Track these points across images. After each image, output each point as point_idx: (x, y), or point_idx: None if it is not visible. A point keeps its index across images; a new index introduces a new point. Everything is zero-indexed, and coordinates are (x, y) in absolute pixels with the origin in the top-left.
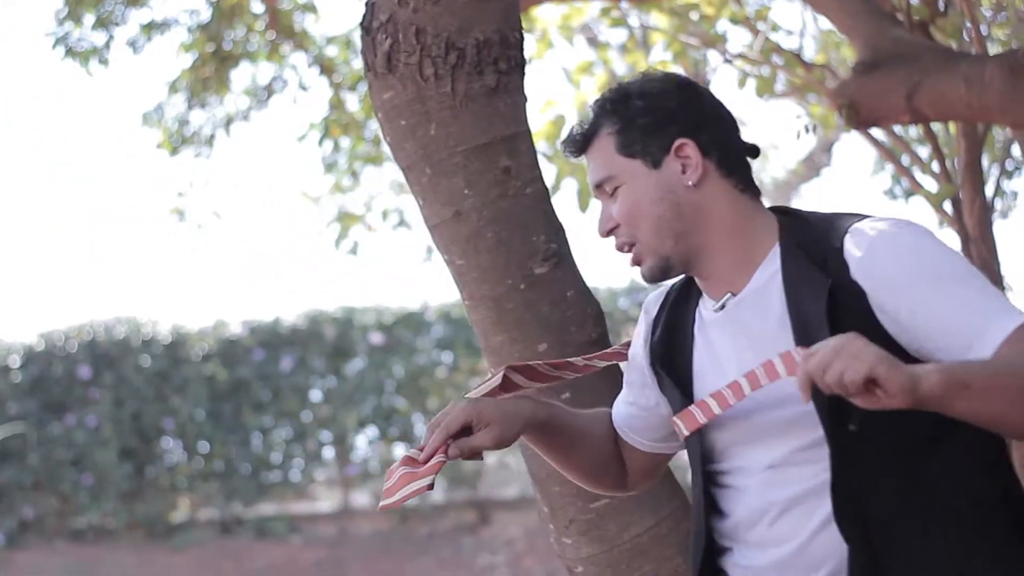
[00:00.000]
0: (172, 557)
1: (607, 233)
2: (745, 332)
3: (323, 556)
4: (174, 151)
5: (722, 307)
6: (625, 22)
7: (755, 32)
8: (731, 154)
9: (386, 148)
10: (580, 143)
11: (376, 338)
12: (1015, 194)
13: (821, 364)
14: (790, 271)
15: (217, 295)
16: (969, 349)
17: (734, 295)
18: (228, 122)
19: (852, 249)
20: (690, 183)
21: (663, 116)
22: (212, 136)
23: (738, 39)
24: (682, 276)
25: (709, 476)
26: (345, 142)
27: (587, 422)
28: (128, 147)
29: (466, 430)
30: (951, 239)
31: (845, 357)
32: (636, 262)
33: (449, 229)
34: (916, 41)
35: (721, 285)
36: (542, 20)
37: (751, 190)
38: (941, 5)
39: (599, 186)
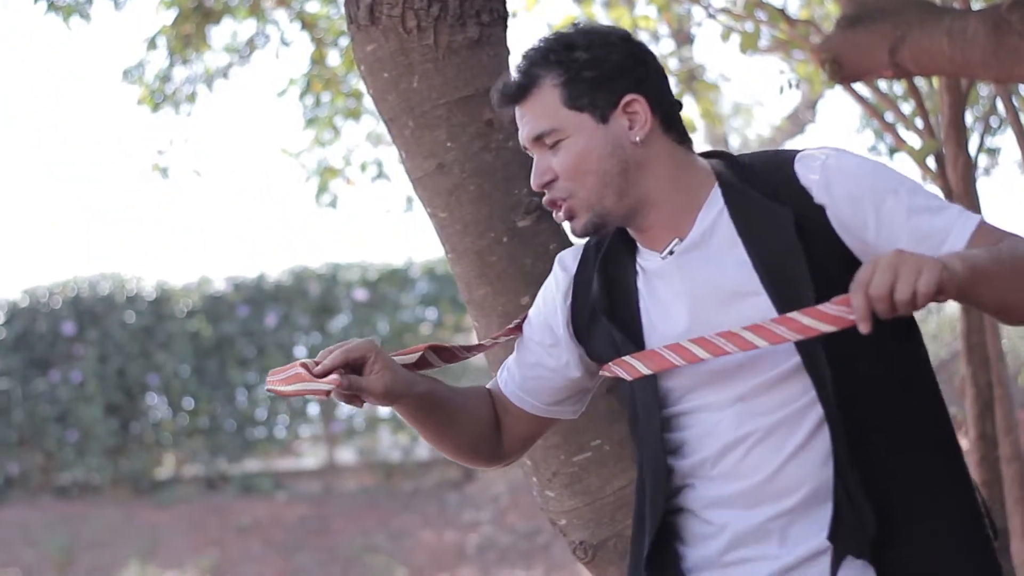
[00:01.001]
0: (157, 513)
1: (543, 186)
2: (698, 274)
3: (308, 512)
4: (155, 108)
5: (670, 252)
6: None
7: None
8: (670, 109)
9: (366, 102)
10: (517, 93)
11: (360, 294)
12: (998, 151)
13: (884, 286)
14: (739, 207)
15: (201, 251)
16: (938, 249)
17: (680, 240)
18: (209, 79)
19: (808, 174)
20: (637, 139)
21: (610, 70)
22: (193, 93)
23: None
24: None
25: (665, 420)
26: (326, 97)
27: (464, 398)
28: (109, 104)
29: (360, 369)
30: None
31: (909, 271)
32: (569, 216)
33: (432, 182)
34: None
35: (664, 233)
36: None
37: (688, 142)
38: None
39: (539, 138)
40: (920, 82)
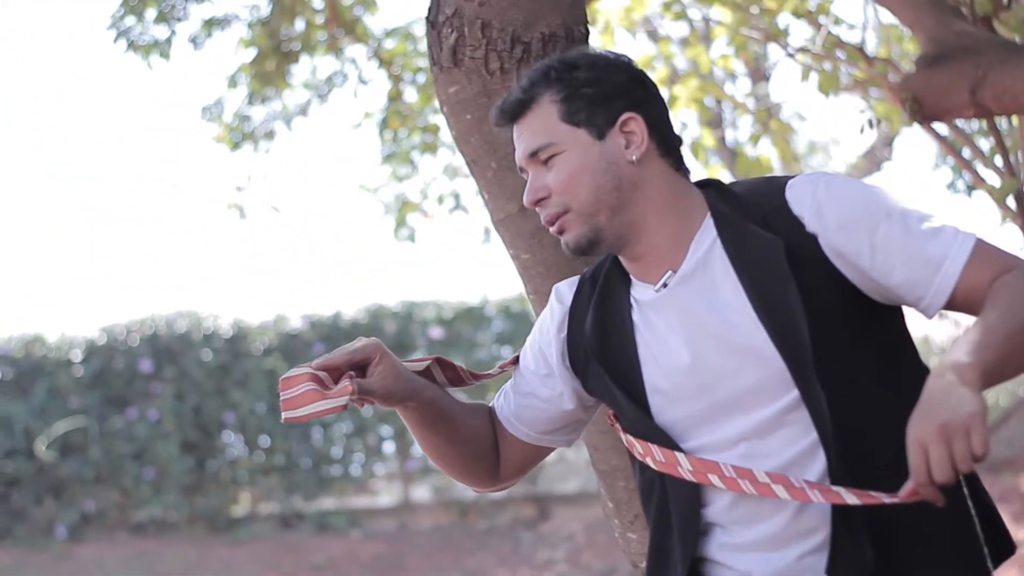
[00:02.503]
0: (232, 551)
1: (536, 203)
2: (693, 307)
3: (383, 550)
4: (235, 146)
5: (664, 285)
6: (686, 16)
7: (817, 26)
8: (669, 134)
9: (443, 135)
10: (516, 109)
11: (436, 332)
12: None
13: (947, 467)
14: (731, 237)
15: (278, 289)
16: (935, 275)
17: (674, 272)
18: (288, 117)
19: (799, 202)
20: (633, 158)
21: (611, 89)
22: (272, 131)
23: (800, 33)
24: (597, 264)
25: None
26: (403, 133)
27: (467, 412)
28: (186, 142)
29: (364, 369)
30: (1014, 234)
31: (958, 438)
32: (561, 230)
33: (514, 223)
34: (980, 34)
35: (657, 264)
36: (604, 13)
37: (684, 170)
38: None
39: (534, 154)
40: (1000, 119)
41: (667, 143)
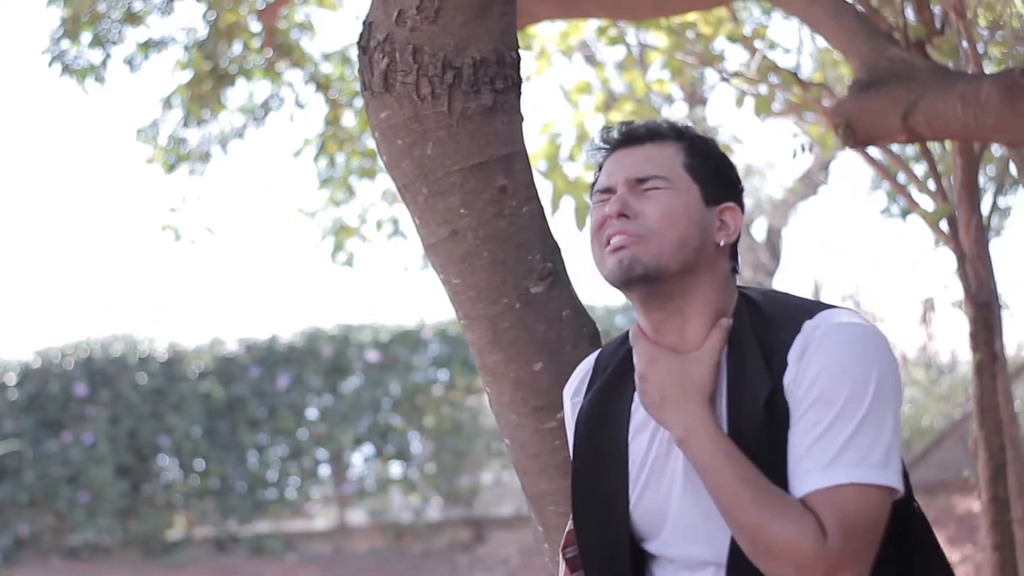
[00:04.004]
0: (168, 575)
1: (619, 214)
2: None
3: (318, 574)
4: (169, 168)
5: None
6: (623, 40)
7: (752, 51)
8: (738, 245)
9: (381, 161)
10: (642, 135)
11: (372, 356)
12: (1009, 210)
13: None
14: (736, 358)
15: (214, 313)
16: (797, 475)
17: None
18: (224, 139)
19: (797, 349)
20: (720, 242)
21: (728, 174)
22: (207, 153)
23: (736, 57)
24: (604, 356)
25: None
26: (340, 157)
27: None
28: (121, 164)
29: None
30: (947, 258)
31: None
32: (631, 251)
33: (445, 248)
34: (913, 60)
35: (672, 336)
36: (540, 38)
37: (736, 274)
38: (938, 24)
39: (642, 180)
40: (933, 144)
41: (737, 250)
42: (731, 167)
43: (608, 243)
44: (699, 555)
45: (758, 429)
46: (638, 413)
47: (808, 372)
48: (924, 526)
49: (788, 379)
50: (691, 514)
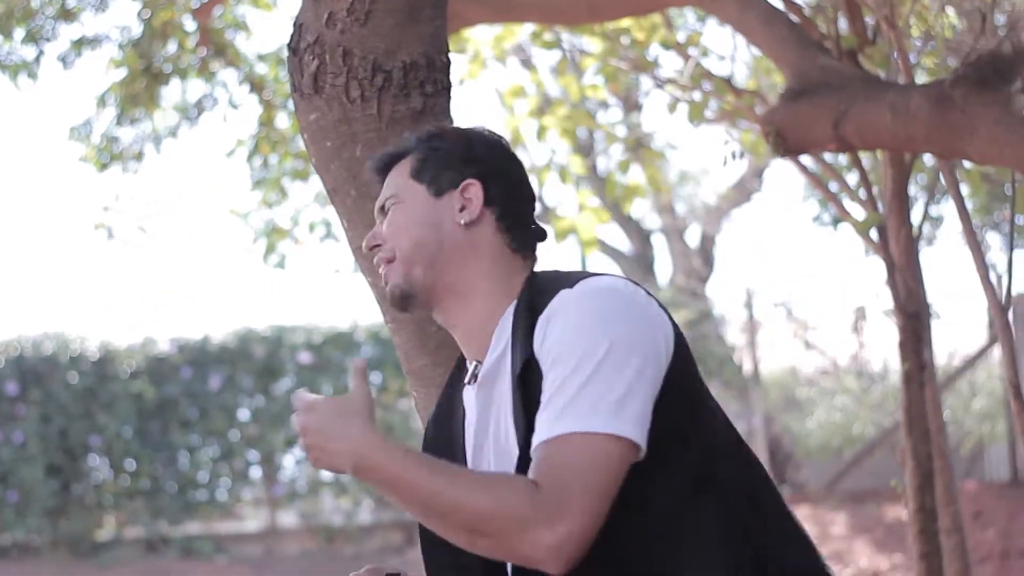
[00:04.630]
0: (97, 575)
1: (371, 248)
2: (492, 412)
3: None
4: (102, 167)
5: (474, 376)
6: (558, 44)
7: (686, 57)
8: (516, 216)
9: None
10: (384, 165)
11: (305, 357)
12: (941, 219)
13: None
14: (518, 337)
15: (146, 312)
16: (536, 433)
17: (480, 363)
18: (157, 138)
19: (541, 320)
20: (462, 221)
21: (463, 156)
22: (141, 152)
23: (670, 64)
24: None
25: None
26: (273, 158)
27: None
28: (53, 162)
29: None
30: (878, 267)
31: (310, 450)
32: (385, 279)
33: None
34: (844, 69)
35: (467, 343)
36: (475, 41)
37: (523, 253)
38: (870, 34)
39: (383, 209)
40: (864, 154)
41: (509, 221)
42: (470, 145)
43: None
44: None
45: (516, 407)
46: (469, 407)
47: (550, 337)
48: (775, 498)
49: (536, 345)
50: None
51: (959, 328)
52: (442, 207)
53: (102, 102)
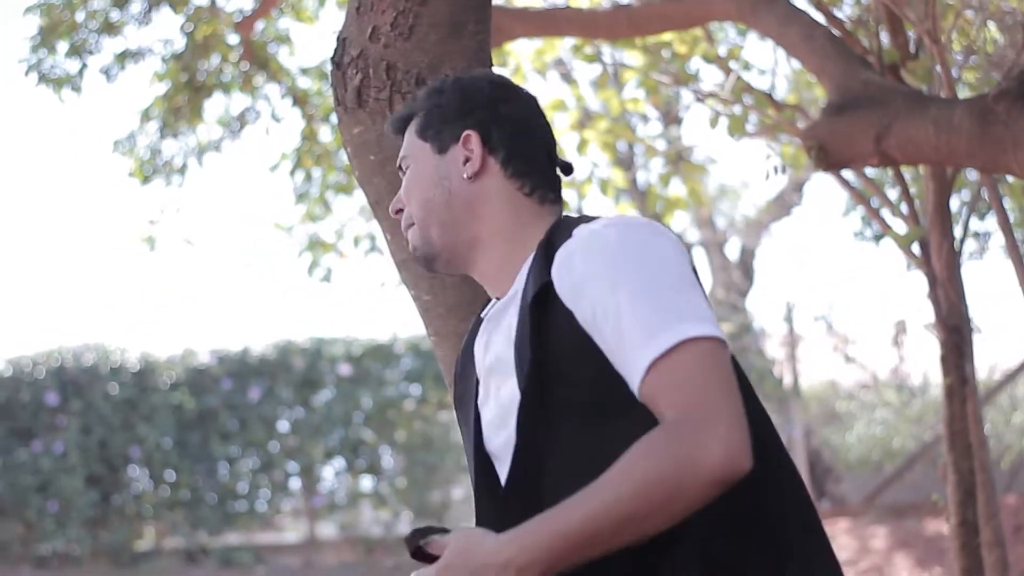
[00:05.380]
0: None
1: (396, 212)
2: (493, 343)
3: None
4: (145, 180)
5: (487, 314)
6: (598, 58)
7: (727, 71)
8: (524, 157)
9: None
10: (397, 124)
11: (345, 369)
12: (988, 235)
13: None
14: (533, 272)
15: (187, 324)
16: (628, 371)
17: (498, 299)
18: (200, 152)
19: (559, 252)
20: (466, 175)
21: (462, 107)
22: (184, 165)
23: (711, 77)
24: None
25: None
26: (317, 172)
27: None
28: (96, 174)
29: None
30: (919, 281)
31: None
32: (410, 243)
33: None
34: (886, 84)
35: (492, 290)
36: (516, 55)
37: (541, 196)
38: (912, 48)
39: (400, 167)
40: (906, 168)
41: (518, 164)
42: (467, 95)
43: None
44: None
45: (526, 337)
46: (479, 343)
47: (581, 269)
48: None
49: (557, 277)
50: (497, 411)
51: (1000, 342)
52: (448, 163)
53: (146, 116)
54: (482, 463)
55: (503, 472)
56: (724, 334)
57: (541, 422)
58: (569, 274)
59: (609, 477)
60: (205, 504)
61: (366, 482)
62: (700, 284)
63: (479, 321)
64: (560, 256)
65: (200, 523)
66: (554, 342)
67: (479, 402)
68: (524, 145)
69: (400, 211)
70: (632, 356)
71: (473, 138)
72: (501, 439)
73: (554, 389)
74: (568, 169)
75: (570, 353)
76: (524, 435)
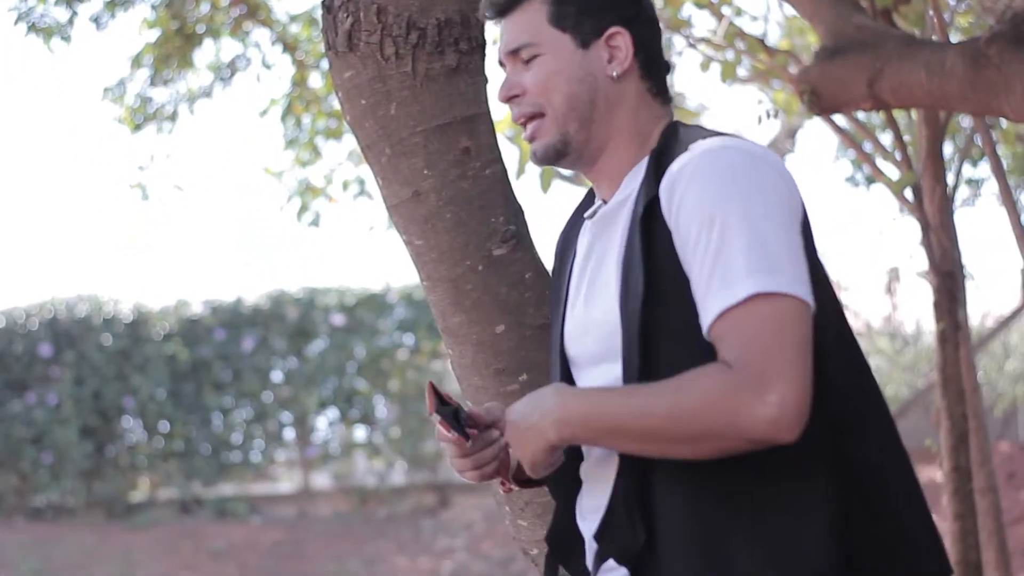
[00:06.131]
0: (131, 536)
1: (509, 98)
2: (596, 249)
3: (282, 537)
4: (136, 128)
5: (593, 215)
6: None
7: (719, 16)
8: (655, 57)
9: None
10: (506, 5)
11: (338, 319)
12: (982, 181)
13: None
14: (646, 185)
15: (179, 274)
16: (702, 309)
17: (605, 203)
18: (191, 99)
19: (672, 167)
20: (614, 73)
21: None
22: (175, 112)
23: (703, 23)
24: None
25: None
26: (307, 118)
27: None
28: (85, 122)
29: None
30: (912, 227)
31: (520, 447)
32: (533, 136)
33: (408, 209)
34: (879, 28)
35: (607, 186)
36: None
37: (663, 97)
38: None
39: (515, 52)
40: (899, 113)
41: (651, 66)
42: None
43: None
44: (594, 350)
45: (636, 250)
46: (581, 243)
47: (687, 197)
48: (885, 419)
49: (663, 193)
50: (583, 317)
51: (993, 289)
52: (591, 59)
53: (137, 63)
54: (562, 366)
55: (580, 378)
56: (809, 292)
57: (644, 343)
58: (674, 193)
59: (662, 389)
60: (199, 455)
61: (360, 432)
62: (806, 228)
63: (578, 218)
64: (671, 171)
65: (194, 474)
66: (659, 261)
67: (567, 303)
68: (657, 44)
69: (515, 97)
70: (708, 297)
71: (623, 36)
72: (584, 347)
73: (656, 310)
74: (670, 68)
75: (672, 274)
76: (628, 356)
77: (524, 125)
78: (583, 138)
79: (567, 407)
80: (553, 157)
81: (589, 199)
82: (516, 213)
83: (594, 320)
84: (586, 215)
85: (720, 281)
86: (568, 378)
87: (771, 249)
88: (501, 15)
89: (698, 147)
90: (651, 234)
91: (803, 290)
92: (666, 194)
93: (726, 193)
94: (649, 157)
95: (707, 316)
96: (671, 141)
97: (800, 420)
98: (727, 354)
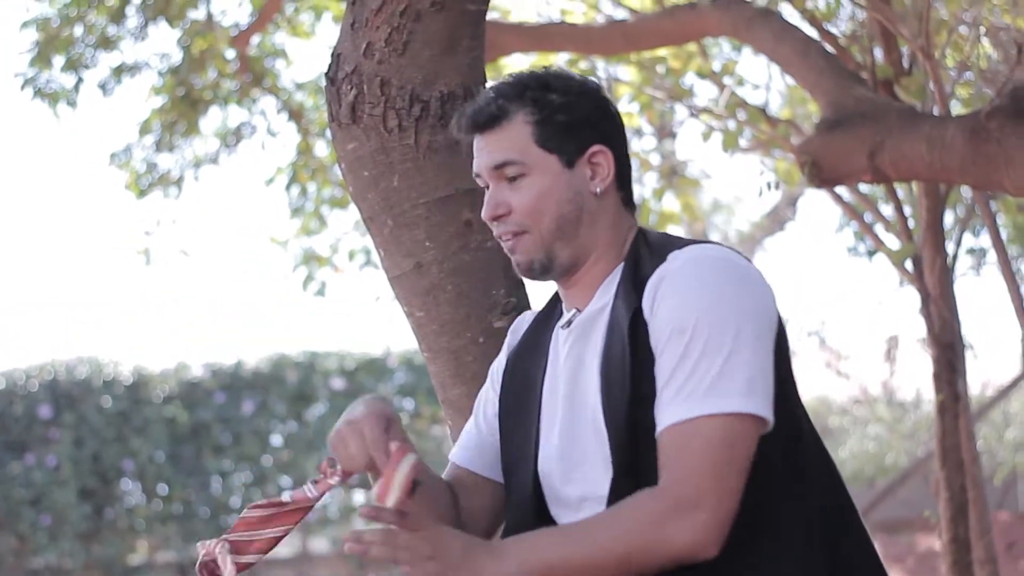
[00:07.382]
0: None
1: (495, 218)
2: (575, 356)
3: None
4: (142, 193)
5: (568, 323)
6: (593, 73)
7: (721, 86)
8: (627, 167)
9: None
10: (488, 121)
11: (338, 383)
12: (984, 251)
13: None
14: (624, 292)
15: (180, 337)
16: (657, 413)
17: (579, 311)
18: (197, 165)
19: (652, 278)
20: (597, 190)
21: (582, 118)
22: (180, 178)
23: (705, 92)
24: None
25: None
26: (312, 186)
27: (438, 481)
28: (89, 187)
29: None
30: (912, 297)
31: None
32: (520, 251)
33: (409, 281)
34: (880, 100)
35: (574, 298)
36: (511, 69)
37: (632, 205)
38: (906, 64)
39: (500, 167)
40: (899, 184)
41: (624, 177)
42: (589, 107)
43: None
44: (577, 493)
45: (622, 355)
46: (556, 352)
47: (665, 304)
48: (828, 468)
49: (645, 304)
50: (568, 457)
51: (993, 358)
52: (577, 177)
53: (146, 129)
54: (532, 479)
55: (560, 515)
56: (766, 406)
57: (634, 449)
58: (655, 302)
59: (597, 522)
60: (198, 518)
61: (359, 497)
62: (780, 336)
63: (544, 323)
64: (652, 282)
65: (193, 537)
66: (642, 368)
67: (543, 406)
68: (627, 154)
69: (501, 217)
70: (663, 405)
71: (605, 154)
72: (569, 491)
73: (638, 412)
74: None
75: (652, 378)
76: (619, 462)
77: (506, 240)
78: (567, 255)
79: (498, 562)
80: (538, 272)
81: (553, 305)
82: (517, 285)
83: (578, 460)
84: (561, 324)
85: (675, 393)
86: (538, 494)
87: (734, 366)
88: (482, 131)
89: (678, 257)
90: (636, 342)
91: (757, 405)
92: (648, 303)
93: (700, 306)
94: (624, 265)
95: (660, 422)
96: (642, 251)
97: (720, 538)
98: (662, 466)
